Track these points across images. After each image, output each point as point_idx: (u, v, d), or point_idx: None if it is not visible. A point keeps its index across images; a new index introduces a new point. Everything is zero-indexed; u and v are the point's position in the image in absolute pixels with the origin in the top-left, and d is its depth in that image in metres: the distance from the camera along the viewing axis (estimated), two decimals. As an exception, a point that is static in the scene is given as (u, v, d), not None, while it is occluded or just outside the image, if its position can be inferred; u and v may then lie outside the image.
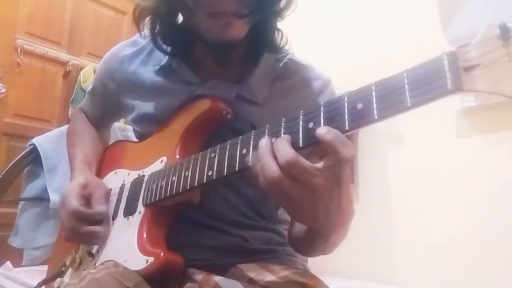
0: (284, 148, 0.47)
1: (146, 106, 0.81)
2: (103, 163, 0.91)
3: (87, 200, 0.77)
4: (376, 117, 0.44)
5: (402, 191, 1.77)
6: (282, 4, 0.72)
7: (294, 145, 0.49)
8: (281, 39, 0.78)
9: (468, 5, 1.58)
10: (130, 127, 1.31)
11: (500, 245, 1.48)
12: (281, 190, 0.48)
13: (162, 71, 0.80)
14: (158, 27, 0.76)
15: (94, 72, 2.64)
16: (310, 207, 0.49)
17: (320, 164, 0.47)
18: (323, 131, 0.46)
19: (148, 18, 0.75)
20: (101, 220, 0.75)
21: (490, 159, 1.56)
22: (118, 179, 0.81)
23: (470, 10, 1.57)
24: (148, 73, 0.81)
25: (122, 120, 1.11)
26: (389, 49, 1.85)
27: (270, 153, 0.49)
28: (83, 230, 0.73)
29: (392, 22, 1.90)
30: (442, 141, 1.68)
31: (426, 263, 1.64)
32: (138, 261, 0.64)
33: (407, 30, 1.82)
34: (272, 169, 0.47)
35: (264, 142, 0.50)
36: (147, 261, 0.63)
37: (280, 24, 0.78)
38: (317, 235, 0.57)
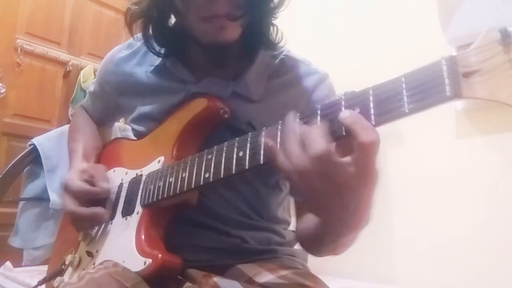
0: (317, 140, 0.45)
1: (144, 106, 0.81)
2: (102, 160, 0.91)
3: (89, 182, 0.78)
4: (373, 122, 0.44)
5: (401, 191, 1.77)
6: (275, 2, 0.72)
7: None
8: (277, 34, 0.78)
9: (467, 5, 1.58)
10: (130, 127, 1.31)
11: (500, 244, 1.48)
12: (305, 180, 0.46)
13: (157, 71, 0.80)
14: (150, 30, 0.76)
15: (94, 72, 2.64)
16: (329, 201, 0.47)
17: (347, 159, 0.45)
18: (346, 114, 0.45)
19: (140, 21, 0.76)
20: (106, 198, 0.77)
21: (490, 159, 1.56)
22: (117, 177, 0.81)
23: (470, 9, 1.56)
24: (143, 73, 0.82)
25: (122, 120, 1.11)
26: (388, 49, 1.85)
27: (299, 141, 0.46)
28: (86, 212, 0.74)
29: (391, 22, 1.90)
30: (442, 141, 1.68)
31: (426, 263, 1.64)
32: (136, 263, 0.64)
33: (407, 29, 1.82)
34: (300, 159, 0.45)
35: (294, 127, 0.48)
36: (145, 263, 0.63)
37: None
38: (327, 233, 0.55)
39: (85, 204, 0.75)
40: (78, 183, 0.76)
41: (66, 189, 0.76)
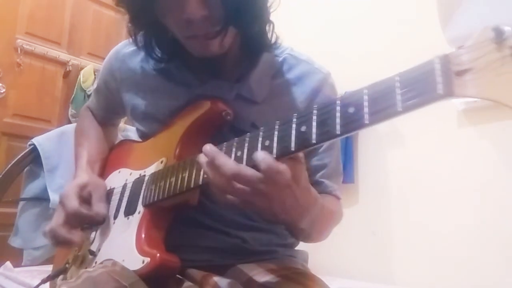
0: (227, 163, 0.52)
1: (147, 105, 0.81)
2: (108, 162, 0.92)
3: (86, 200, 0.76)
4: (367, 121, 0.44)
5: (401, 191, 1.78)
6: (256, 10, 0.68)
7: (286, 149, 0.50)
8: (272, 34, 0.76)
9: (467, 5, 1.59)
10: (130, 127, 1.31)
11: (501, 244, 1.48)
12: (232, 198, 0.53)
13: (162, 72, 0.80)
14: (151, 40, 0.76)
15: (94, 72, 2.64)
16: (266, 208, 0.53)
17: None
18: (259, 159, 0.50)
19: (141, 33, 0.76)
20: (101, 221, 0.75)
21: (490, 159, 1.56)
22: (121, 178, 0.82)
23: (470, 10, 1.57)
24: (149, 71, 0.82)
25: (122, 121, 1.11)
26: (388, 48, 1.86)
27: (214, 168, 0.53)
28: (63, 236, 0.72)
29: (392, 22, 1.90)
30: (442, 141, 1.68)
31: (425, 262, 1.64)
32: (135, 261, 0.64)
33: (407, 29, 1.82)
34: (220, 181, 0.53)
35: (203, 160, 0.55)
36: (143, 262, 0.63)
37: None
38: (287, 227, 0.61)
39: (75, 225, 0.73)
40: (74, 205, 0.73)
41: (62, 205, 0.75)
